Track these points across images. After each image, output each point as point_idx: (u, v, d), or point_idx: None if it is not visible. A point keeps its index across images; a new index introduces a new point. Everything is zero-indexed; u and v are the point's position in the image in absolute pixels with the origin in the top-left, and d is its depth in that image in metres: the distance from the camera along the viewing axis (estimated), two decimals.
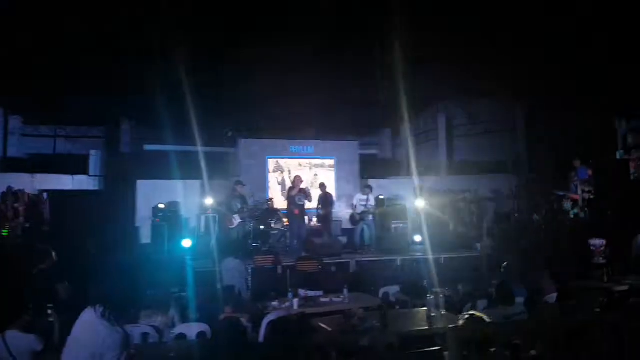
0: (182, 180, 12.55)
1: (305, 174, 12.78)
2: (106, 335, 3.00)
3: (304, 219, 10.25)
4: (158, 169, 13.20)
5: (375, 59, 14.32)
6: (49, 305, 4.29)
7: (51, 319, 4.17)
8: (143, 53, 12.81)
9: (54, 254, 5.99)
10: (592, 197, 11.89)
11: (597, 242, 8.39)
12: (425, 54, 13.83)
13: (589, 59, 12.25)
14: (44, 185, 14.11)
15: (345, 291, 6.45)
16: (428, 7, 12.09)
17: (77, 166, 15.67)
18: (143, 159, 15.30)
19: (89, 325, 3.06)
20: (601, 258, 8.27)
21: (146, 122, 19.46)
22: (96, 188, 14.99)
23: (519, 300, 5.40)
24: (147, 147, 15.81)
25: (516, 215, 15.22)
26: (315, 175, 12.91)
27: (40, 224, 12.74)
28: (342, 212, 12.17)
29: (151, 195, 11.83)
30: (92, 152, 15.89)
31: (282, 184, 12.79)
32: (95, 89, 16.02)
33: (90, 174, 15.22)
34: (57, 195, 13.58)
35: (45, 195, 13.50)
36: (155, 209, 11.16)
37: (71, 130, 20.82)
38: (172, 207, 11.82)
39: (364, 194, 11.08)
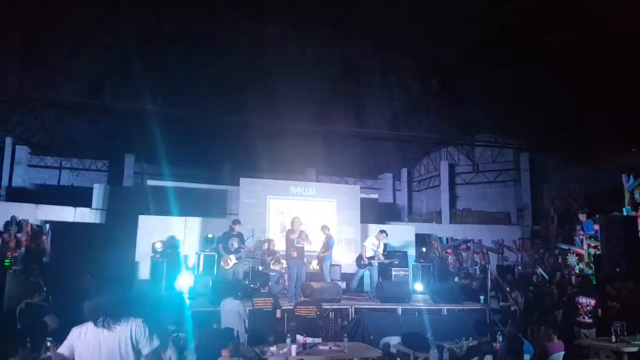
0: (182, 217, 12.49)
1: (306, 217, 12.71)
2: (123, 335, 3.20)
3: (303, 261, 10.10)
4: (159, 204, 13.18)
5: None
6: (48, 339, 4.24)
7: (49, 353, 4.11)
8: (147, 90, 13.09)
9: (44, 289, 5.95)
10: (598, 252, 11.76)
11: (584, 300, 8.24)
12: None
13: (597, 114, 12.38)
14: (47, 215, 14.10)
15: (345, 340, 6.28)
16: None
17: (80, 198, 15.70)
18: (145, 194, 15.27)
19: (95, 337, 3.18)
20: (587, 317, 8.10)
21: (149, 158, 19.70)
22: (98, 221, 14.91)
23: (526, 357, 5.25)
24: (150, 182, 15.82)
25: (520, 268, 15.05)
26: (317, 218, 12.79)
27: (40, 254, 12.68)
28: (342, 256, 12.01)
29: (152, 230, 11.74)
30: (96, 185, 15.92)
31: (282, 225, 12.69)
32: (101, 123, 16.34)
33: (93, 207, 15.17)
34: (58, 227, 13.56)
35: (47, 225, 13.48)
36: (154, 246, 11.05)
37: (76, 163, 21.06)
38: (172, 243, 11.72)
39: (377, 239, 10.95)
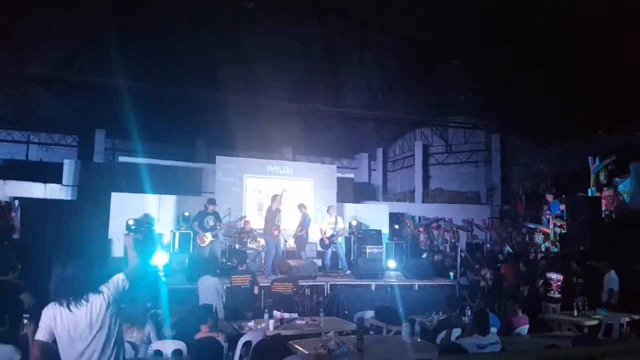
0: (157, 195, 12.39)
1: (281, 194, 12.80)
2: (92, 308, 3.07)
3: (280, 239, 10.23)
4: (132, 181, 13.01)
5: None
6: (24, 315, 4.22)
7: (26, 329, 4.11)
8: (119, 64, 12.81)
9: (19, 266, 5.90)
10: (564, 231, 12.20)
11: (555, 275, 8.60)
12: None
13: (565, 99, 12.70)
14: (15, 192, 13.80)
15: (321, 314, 6.44)
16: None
17: (49, 174, 15.39)
18: (117, 171, 15.07)
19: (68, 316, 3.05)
20: (556, 292, 8.47)
21: (121, 134, 19.36)
22: (69, 198, 14.67)
23: (493, 330, 5.48)
24: (122, 158, 15.60)
25: (488, 246, 15.50)
26: (293, 197, 12.88)
27: (10, 231, 12.44)
28: (318, 234, 12.17)
29: (125, 208, 11.64)
30: (66, 161, 15.60)
31: (259, 203, 12.74)
32: (70, 97, 15.93)
33: (64, 183, 14.91)
34: (28, 203, 13.31)
35: (16, 202, 13.22)
36: (128, 224, 11.00)
37: (44, 137, 20.55)
38: (146, 221, 11.66)
39: (331, 217, 11.11)
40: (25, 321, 4.24)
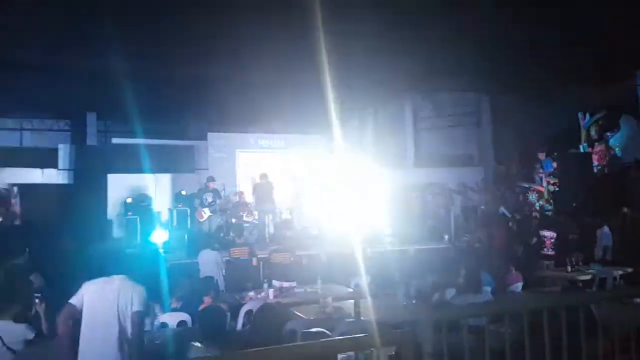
0: (152, 175, 12.51)
1: (275, 168, 12.95)
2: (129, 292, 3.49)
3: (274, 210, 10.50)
4: (127, 162, 13.10)
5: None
6: (36, 295, 4.42)
7: (37, 309, 4.31)
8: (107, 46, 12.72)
9: (27, 249, 6.10)
10: (556, 189, 12.34)
11: (548, 233, 8.75)
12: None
13: (554, 53, 12.65)
14: (13, 179, 13.90)
15: (319, 282, 6.64)
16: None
17: (45, 160, 15.45)
18: (112, 153, 15.16)
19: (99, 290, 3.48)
20: (550, 249, 8.64)
21: (112, 115, 19.31)
22: (66, 182, 14.78)
23: (487, 289, 5.68)
24: (115, 140, 15.66)
25: (482, 207, 15.68)
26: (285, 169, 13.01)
27: (11, 217, 12.60)
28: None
29: (122, 188, 11.77)
30: (61, 145, 15.66)
31: (252, 177, 12.88)
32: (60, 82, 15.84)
33: (60, 167, 14.99)
34: (27, 189, 13.43)
35: (15, 189, 13.32)
36: (126, 203, 11.15)
37: (37, 124, 20.49)
38: (143, 200, 11.79)
39: None
40: (37, 300, 4.43)
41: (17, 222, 12.83)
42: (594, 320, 3.10)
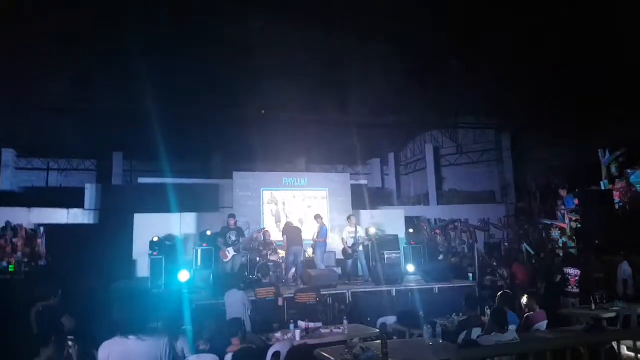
0: (177, 214, 12.75)
1: (298, 206, 13.12)
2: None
3: (301, 250, 10.58)
4: (153, 201, 13.37)
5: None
6: (69, 337, 4.49)
7: (71, 351, 4.37)
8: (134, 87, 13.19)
9: (59, 291, 6.19)
10: (579, 226, 12.27)
11: (572, 271, 8.68)
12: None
13: (574, 93, 12.81)
14: (40, 219, 14.27)
15: (345, 322, 6.65)
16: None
17: (71, 199, 15.83)
18: (137, 192, 15.49)
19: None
20: (575, 287, 8.56)
21: (138, 155, 19.82)
22: (92, 222, 15.09)
23: (512, 327, 5.65)
24: (141, 180, 16.03)
25: (506, 244, 15.57)
26: (309, 207, 13.17)
27: (36, 258, 12.88)
28: (335, 243, 12.38)
29: (148, 228, 11.97)
30: (88, 185, 16.06)
31: (277, 215, 13.04)
32: (87, 122, 16.35)
33: (86, 207, 15.34)
34: (53, 229, 13.74)
35: (41, 229, 13.65)
36: (152, 242, 11.31)
37: (64, 163, 21.09)
38: (169, 240, 11.96)
39: (351, 226, 11.37)
40: (70, 343, 4.51)
41: (42, 263, 13.09)
42: (616, 358, 3.12)
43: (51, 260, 13.16)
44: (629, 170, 12.83)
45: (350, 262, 11.38)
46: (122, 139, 17.90)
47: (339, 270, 11.02)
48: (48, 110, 15.52)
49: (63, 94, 14.65)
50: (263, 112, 14.63)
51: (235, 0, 11.45)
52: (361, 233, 11.47)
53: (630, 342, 4.01)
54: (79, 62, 13.74)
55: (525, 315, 6.70)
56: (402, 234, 13.54)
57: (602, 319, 7.17)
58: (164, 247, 11.44)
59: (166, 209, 12.61)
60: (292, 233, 10.89)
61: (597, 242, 10.19)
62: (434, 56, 13.72)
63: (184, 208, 12.90)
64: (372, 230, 12.20)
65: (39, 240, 13.62)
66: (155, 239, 11.37)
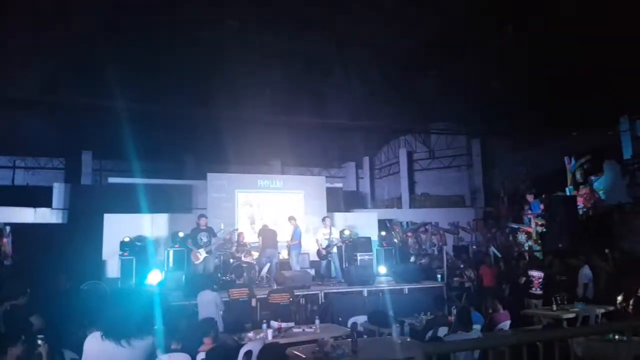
0: (149, 214, 12.61)
1: (273, 208, 13.15)
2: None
3: (275, 252, 10.66)
4: (124, 202, 13.17)
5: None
6: (39, 336, 4.45)
7: (40, 350, 4.33)
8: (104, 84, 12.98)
9: (28, 290, 6.12)
10: (544, 230, 12.65)
11: (536, 273, 9.02)
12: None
13: (543, 100, 13.20)
14: (5, 217, 13.87)
15: (317, 322, 6.75)
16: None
17: (38, 198, 15.48)
18: (107, 192, 15.24)
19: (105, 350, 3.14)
20: (538, 288, 8.89)
21: (108, 154, 19.47)
22: (60, 221, 14.79)
23: (477, 327, 5.86)
24: (111, 179, 15.80)
25: (474, 247, 15.92)
26: (284, 209, 13.21)
27: (2, 257, 12.57)
28: (310, 245, 12.48)
29: (118, 228, 11.84)
30: (56, 184, 15.71)
31: (251, 217, 13.06)
32: (55, 119, 15.99)
33: (54, 206, 15.02)
34: (20, 229, 13.42)
35: (7, 228, 13.31)
36: (122, 243, 11.21)
37: (30, 161, 20.61)
38: (140, 241, 11.85)
39: (325, 227, 11.50)
40: (40, 342, 4.47)
41: (8, 262, 12.76)
42: (569, 355, 3.34)
43: (18, 260, 12.85)
44: (592, 177, 13.30)
45: (324, 263, 11.51)
46: (92, 137, 17.53)
47: (312, 272, 11.12)
48: (14, 105, 15.15)
49: (30, 88, 14.29)
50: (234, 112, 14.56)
51: (209, 1, 11.43)
52: (335, 235, 11.61)
53: (582, 339, 4.26)
54: (47, 55, 13.48)
55: (490, 315, 6.95)
56: (375, 237, 13.72)
57: (562, 320, 7.47)
58: (134, 248, 11.36)
59: (137, 210, 12.43)
60: (267, 236, 10.96)
61: (560, 245, 10.54)
62: (408, 63, 13.95)
63: (155, 209, 12.75)
64: (347, 232, 12.35)
65: (5, 240, 13.29)
66: (126, 240, 11.31)
